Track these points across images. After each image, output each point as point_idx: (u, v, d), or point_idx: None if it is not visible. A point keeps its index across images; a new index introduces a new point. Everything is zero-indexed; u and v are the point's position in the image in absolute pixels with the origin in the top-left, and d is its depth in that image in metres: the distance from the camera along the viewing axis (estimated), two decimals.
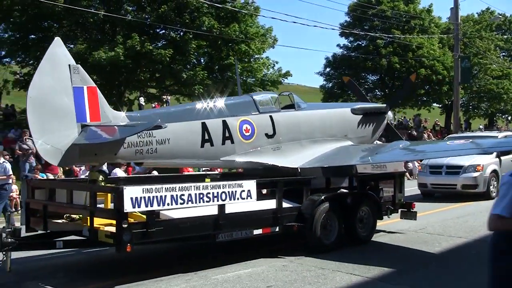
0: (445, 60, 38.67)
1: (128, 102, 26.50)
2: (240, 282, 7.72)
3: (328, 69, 41.68)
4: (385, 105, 13.01)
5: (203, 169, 15.04)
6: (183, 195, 7.86)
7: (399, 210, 11.60)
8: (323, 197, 9.65)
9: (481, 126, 47.51)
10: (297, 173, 10.43)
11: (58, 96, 7.86)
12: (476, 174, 17.47)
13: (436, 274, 8.32)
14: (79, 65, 8.20)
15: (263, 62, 27.66)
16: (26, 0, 21.87)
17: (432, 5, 41.95)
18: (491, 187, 17.54)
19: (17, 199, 14.94)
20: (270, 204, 9.33)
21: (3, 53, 25.40)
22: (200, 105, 9.64)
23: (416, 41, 38.02)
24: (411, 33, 38.95)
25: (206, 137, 9.39)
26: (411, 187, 18.96)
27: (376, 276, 8.04)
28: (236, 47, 25.53)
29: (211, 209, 8.40)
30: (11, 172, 13.60)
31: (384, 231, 11.63)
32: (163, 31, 25.35)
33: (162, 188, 7.64)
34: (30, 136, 7.72)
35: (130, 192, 7.32)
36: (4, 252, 7.80)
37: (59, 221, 8.52)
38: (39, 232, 8.86)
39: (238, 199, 8.53)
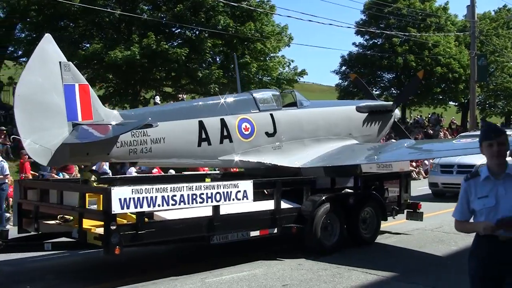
0: (462, 58, 37.62)
1: (144, 101, 26.30)
2: (255, 281, 7.54)
3: (343, 68, 40.89)
4: (391, 103, 12.37)
5: (217, 169, 14.33)
6: (175, 195, 7.47)
7: (405, 211, 10.97)
8: (323, 198, 9.13)
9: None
10: (300, 173, 9.91)
11: (47, 94, 7.45)
12: None
13: (452, 273, 7.91)
14: (70, 63, 7.80)
15: (279, 61, 27.14)
16: (42, 0, 21.68)
17: (448, 2, 40.94)
18: None
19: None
20: (269, 205, 8.84)
21: (20, 52, 25.26)
22: (197, 103, 9.18)
23: (432, 39, 37.07)
24: (427, 31, 37.95)
25: (203, 136, 8.92)
26: (425, 186, 18.49)
27: (392, 275, 7.84)
28: (252, 45, 25.09)
29: (208, 210, 7.95)
30: (8, 172, 13.20)
31: (397, 233, 11.11)
32: (179, 30, 25.02)
33: (152, 188, 7.25)
34: (18, 135, 7.28)
35: (119, 193, 6.95)
36: None
37: (50, 222, 8.14)
38: (32, 233, 8.46)
39: (233, 200, 8.10)
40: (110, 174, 15.85)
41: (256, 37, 24.65)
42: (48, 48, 7.65)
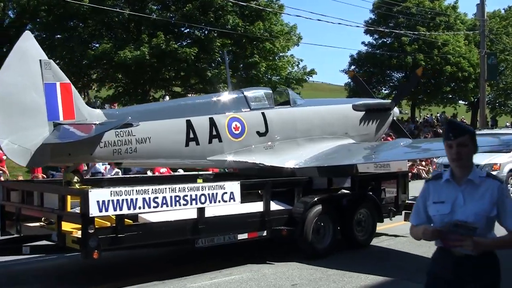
0: (471, 57, 36.65)
1: (153, 101, 25.94)
2: (265, 280, 7.34)
3: (353, 67, 40.05)
4: (390, 101, 11.74)
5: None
6: (156, 198, 7.00)
7: (403, 212, 10.36)
8: (315, 199, 8.58)
9: (508, 124, 45.17)
10: (295, 174, 9.39)
11: (26, 93, 6.99)
12: (493, 173, 15.92)
13: None
14: (51, 61, 7.35)
15: (288, 60, 26.67)
16: (52, 0, 21.46)
17: (458, 1, 39.79)
18: (508, 185, 15.98)
19: None
20: (258, 206, 8.33)
21: None
22: (185, 102, 8.70)
23: (442, 38, 36.08)
24: (437, 30, 36.98)
25: (191, 135, 8.42)
26: None
27: (401, 275, 7.61)
28: (261, 45, 24.62)
29: (194, 213, 7.49)
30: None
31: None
32: (188, 29, 24.68)
33: (132, 190, 6.80)
34: None
35: (97, 195, 6.52)
36: None
37: (31, 224, 7.71)
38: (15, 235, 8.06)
39: (219, 201, 7.60)
40: (105, 173, 15.39)
41: (265, 36, 24.22)
42: (27, 46, 7.15)
